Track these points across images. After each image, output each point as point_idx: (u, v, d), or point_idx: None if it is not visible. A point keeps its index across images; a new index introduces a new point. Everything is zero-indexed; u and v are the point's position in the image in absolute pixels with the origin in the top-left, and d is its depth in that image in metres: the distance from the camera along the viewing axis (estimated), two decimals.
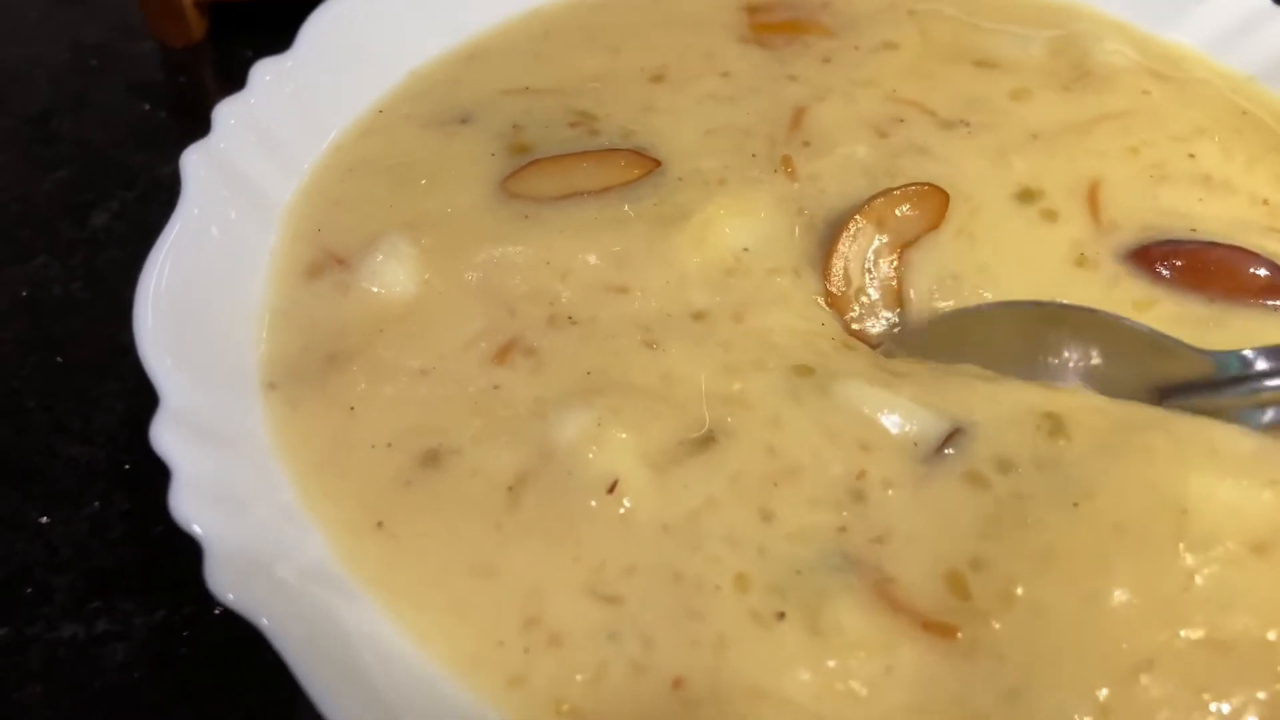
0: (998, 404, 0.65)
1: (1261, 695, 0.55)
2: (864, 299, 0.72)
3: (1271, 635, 0.57)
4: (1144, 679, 0.56)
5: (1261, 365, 0.65)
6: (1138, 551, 0.59)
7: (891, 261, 0.73)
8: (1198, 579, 0.58)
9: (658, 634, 0.58)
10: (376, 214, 0.75)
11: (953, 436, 0.64)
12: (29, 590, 0.70)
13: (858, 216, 0.73)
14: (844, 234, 0.73)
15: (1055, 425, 0.64)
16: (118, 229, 0.91)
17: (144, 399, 0.63)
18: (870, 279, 0.72)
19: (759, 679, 0.56)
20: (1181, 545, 0.59)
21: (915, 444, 0.64)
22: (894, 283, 0.72)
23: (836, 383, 0.66)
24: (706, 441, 0.63)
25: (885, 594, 0.58)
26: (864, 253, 0.73)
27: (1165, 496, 0.60)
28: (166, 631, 0.68)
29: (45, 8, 1.13)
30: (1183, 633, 0.57)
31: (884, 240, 0.73)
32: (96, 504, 0.73)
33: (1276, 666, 0.56)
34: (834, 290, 0.72)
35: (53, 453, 0.76)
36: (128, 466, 0.75)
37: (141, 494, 0.74)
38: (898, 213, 0.74)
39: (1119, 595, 0.58)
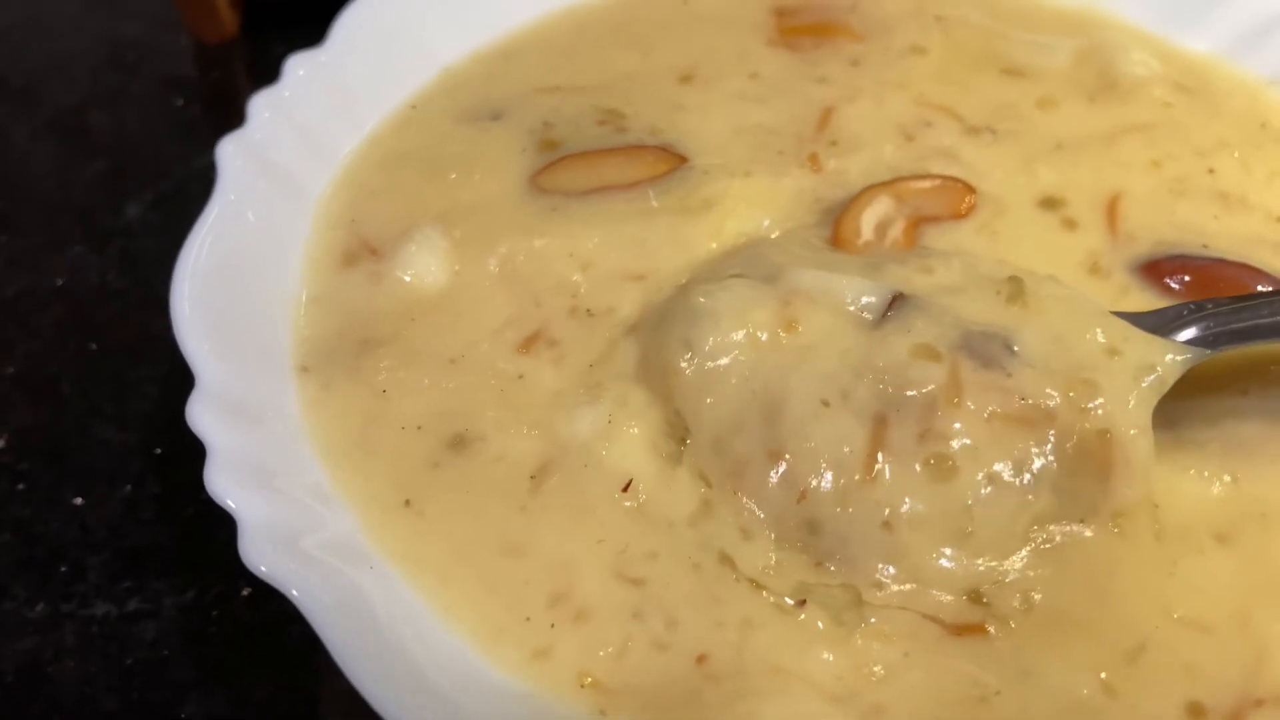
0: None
1: (1241, 668, 0.58)
2: (874, 250, 0.72)
3: (1245, 616, 0.60)
4: (1140, 659, 0.58)
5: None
6: (1130, 546, 0.61)
7: (906, 229, 0.74)
8: (1177, 567, 0.61)
9: (682, 614, 0.59)
10: (410, 206, 0.77)
11: (896, 301, 0.64)
12: (64, 569, 0.71)
13: (878, 186, 0.75)
14: (861, 196, 0.75)
15: (1015, 289, 0.65)
16: (152, 220, 0.93)
17: (176, 385, 0.64)
18: (881, 236, 0.73)
19: (782, 658, 0.58)
20: (1161, 537, 0.62)
21: (864, 313, 0.64)
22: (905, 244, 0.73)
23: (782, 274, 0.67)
24: (683, 439, 0.64)
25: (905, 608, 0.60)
26: (879, 215, 0.74)
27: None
28: (196, 611, 0.69)
29: (83, 3, 1.15)
30: (1172, 615, 0.59)
31: (902, 210, 0.74)
32: (129, 487, 0.75)
33: (1252, 643, 0.59)
34: (842, 235, 0.73)
35: (87, 436, 0.78)
36: (159, 450, 0.77)
37: (173, 477, 0.75)
38: (919, 191, 0.76)
39: (1120, 585, 0.60)
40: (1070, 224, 0.76)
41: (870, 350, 0.62)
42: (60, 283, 0.88)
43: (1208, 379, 0.68)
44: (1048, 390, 0.61)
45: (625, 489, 0.63)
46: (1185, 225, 0.76)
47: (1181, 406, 0.66)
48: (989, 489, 0.60)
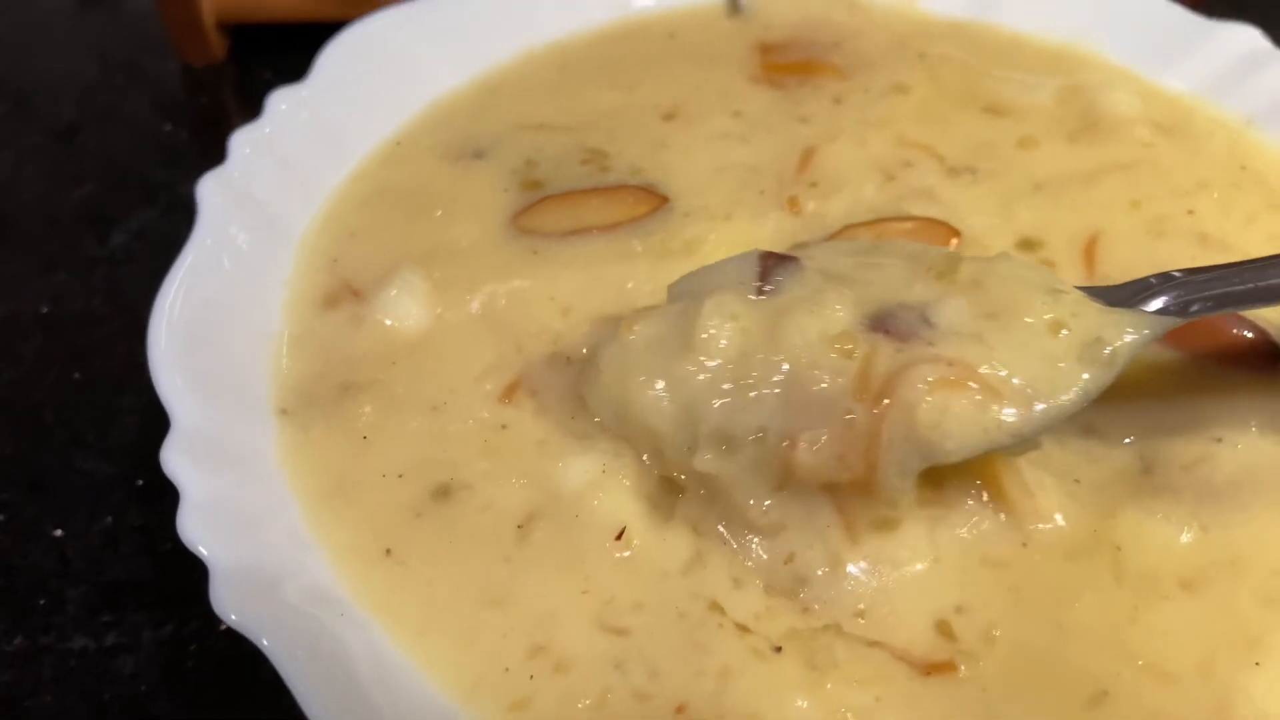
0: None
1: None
2: None
3: (1209, 666, 0.59)
4: (1102, 706, 0.58)
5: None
6: (1087, 580, 0.62)
7: None
8: (1139, 612, 0.61)
9: (663, 664, 0.59)
10: (392, 245, 0.77)
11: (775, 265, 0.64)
12: (42, 601, 0.71)
13: (860, 225, 0.76)
14: (842, 234, 0.76)
15: (949, 265, 0.64)
16: (137, 247, 0.93)
17: (158, 415, 0.64)
18: None
19: (759, 707, 0.58)
20: (1120, 579, 0.62)
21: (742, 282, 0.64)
22: None
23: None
24: (677, 492, 0.65)
25: (879, 644, 0.60)
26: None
27: (1099, 534, 0.63)
28: (175, 645, 0.69)
29: (73, 25, 1.15)
30: (1136, 662, 0.59)
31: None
32: (110, 518, 0.75)
33: (1215, 695, 0.59)
34: None
35: (69, 466, 0.78)
36: (140, 481, 0.77)
37: (153, 509, 0.75)
38: (901, 231, 0.76)
39: (1078, 625, 0.60)
40: (1048, 265, 0.76)
41: (769, 341, 0.61)
42: (45, 309, 0.88)
43: (1182, 422, 0.68)
44: (981, 359, 0.59)
45: (618, 538, 0.62)
46: (1164, 266, 0.75)
47: (1155, 450, 0.67)
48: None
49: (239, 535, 0.60)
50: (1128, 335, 0.62)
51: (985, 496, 0.64)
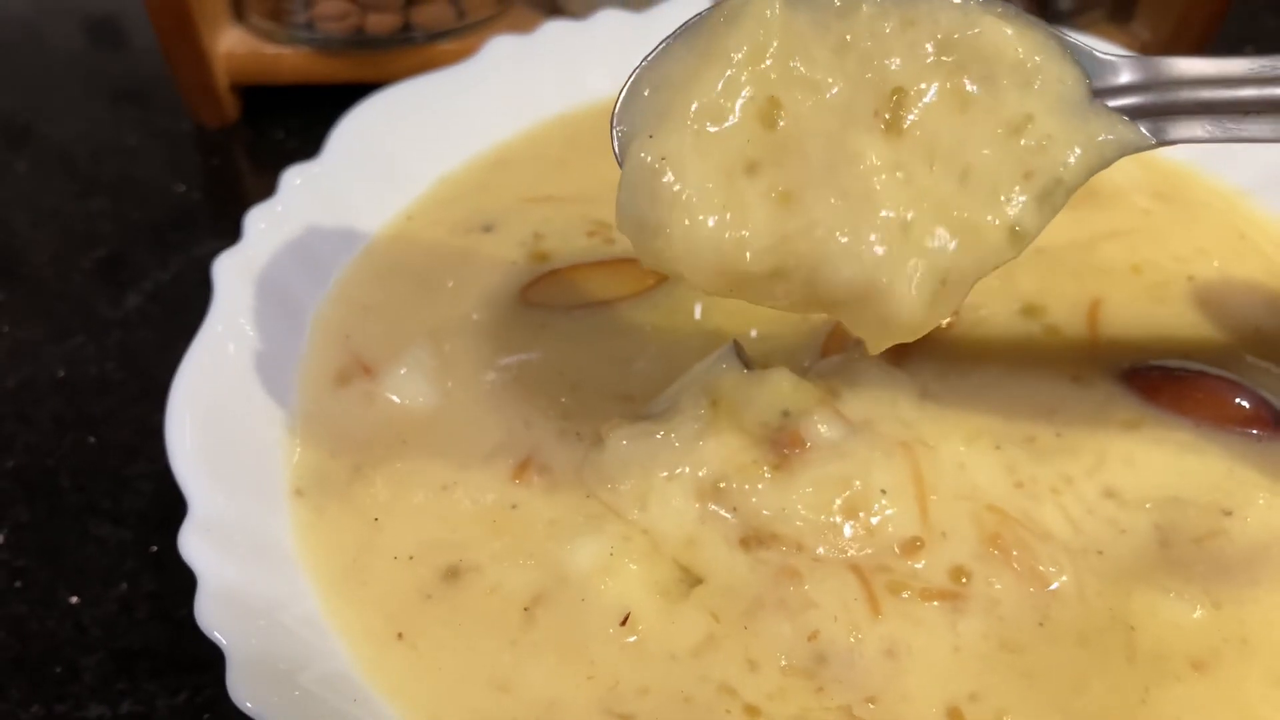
0: None
1: None
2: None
3: None
4: None
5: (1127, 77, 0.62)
6: (1100, 663, 0.62)
7: None
8: (1150, 694, 0.61)
9: None
10: (403, 321, 0.78)
11: None
12: (58, 669, 0.72)
13: None
14: None
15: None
16: (151, 310, 0.94)
17: (173, 481, 0.66)
18: None
19: None
20: (1133, 660, 0.62)
21: None
22: None
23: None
24: (695, 581, 0.65)
25: None
26: None
27: (1114, 613, 0.63)
28: (188, 712, 0.70)
29: (88, 87, 1.17)
30: None
31: None
32: (124, 585, 0.76)
33: None
34: (832, 348, 0.74)
35: (84, 533, 0.79)
36: (155, 548, 0.78)
37: (168, 576, 0.76)
38: None
39: (1089, 711, 0.60)
40: (1052, 331, 0.77)
41: None
42: (61, 374, 0.89)
43: (1194, 493, 0.68)
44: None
45: (623, 623, 0.63)
46: (1165, 334, 0.77)
47: (1171, 520, 0.67)
48: None
49: (256, 621, 0.60)
50: (1092, 153, 0.61)
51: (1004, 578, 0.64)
